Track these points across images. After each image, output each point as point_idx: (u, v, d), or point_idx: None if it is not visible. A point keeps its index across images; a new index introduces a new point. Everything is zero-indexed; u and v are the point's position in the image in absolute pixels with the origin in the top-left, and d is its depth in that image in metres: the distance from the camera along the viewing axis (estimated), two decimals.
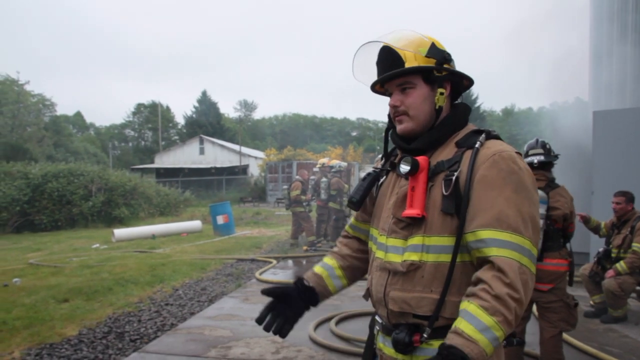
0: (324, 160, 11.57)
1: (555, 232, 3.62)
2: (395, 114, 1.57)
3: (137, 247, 11.66)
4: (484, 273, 1.34)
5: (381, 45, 1.56)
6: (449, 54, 1.55)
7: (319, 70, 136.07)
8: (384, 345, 1.59)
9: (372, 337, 1.72)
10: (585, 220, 5.35)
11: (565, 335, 4.30)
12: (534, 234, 1.38)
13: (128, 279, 7.53)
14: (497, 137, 1.51)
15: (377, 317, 1.64)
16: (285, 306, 1.66)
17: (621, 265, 5.10)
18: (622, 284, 5.10)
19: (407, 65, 1.50)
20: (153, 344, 4.73)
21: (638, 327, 5.09)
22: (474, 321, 1.29)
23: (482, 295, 1.31)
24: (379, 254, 1.58)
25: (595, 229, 5.59)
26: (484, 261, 1.36)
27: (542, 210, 3.44)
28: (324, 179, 10.85)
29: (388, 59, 1.54)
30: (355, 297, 6.22)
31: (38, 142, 31.61)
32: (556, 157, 3.82)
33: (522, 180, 1.40)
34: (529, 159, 3.72)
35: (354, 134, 79.33)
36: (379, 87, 1.65)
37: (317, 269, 1.79)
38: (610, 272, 5.18)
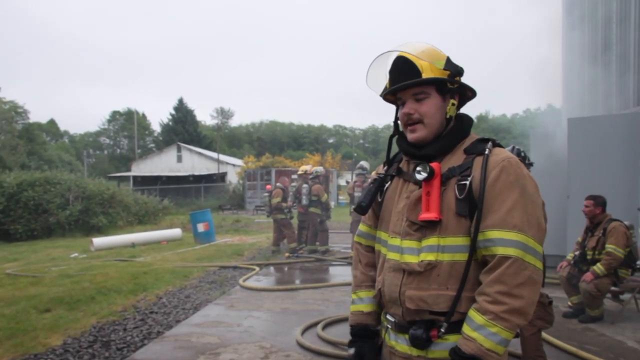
0: (306, 167, 11.64)
1: None
2: (408, 121, 1.64)
3: (117, 256, 11.51)
4: (483, 276, 1.49)
5: (395, 55, 1.64)
6: (462, 69, 1.64)
7: (295, 77, 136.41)
8: (397, 342, 1.66)
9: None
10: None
11: (545, 335, 4.44)
12: (538, 233, 1.50)
13: (110, 287, 7.45)
14: (500, 146, 1.62)
15: (388, 316, 1.70)
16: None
17: (599, 268, 5.26)
18: (598, 284, 5.28)
19: (423, 75, 1.58)
20: (141, 352, 4.72)
21: (614, 325, 5.27)
22: (470, 322, 1.49)
23: (478, 299, 1.47)
24: (393, 255, 1.65)
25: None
26: (490, 258, 1.48)
27: None
28: (304, 185, 10.94)
29: (404, 68, 1.61)
30: (339, 302, 6.30)
31: (11, 150, 30.90)
32: (529, 165, 3.98)
33: (526, 185, 1.53)
34: None
35: (330, 141, 79.76)
36: (389, 96, 1.72)
37: (367, 307, 1.82)
38: (588, 276, 5.29)
